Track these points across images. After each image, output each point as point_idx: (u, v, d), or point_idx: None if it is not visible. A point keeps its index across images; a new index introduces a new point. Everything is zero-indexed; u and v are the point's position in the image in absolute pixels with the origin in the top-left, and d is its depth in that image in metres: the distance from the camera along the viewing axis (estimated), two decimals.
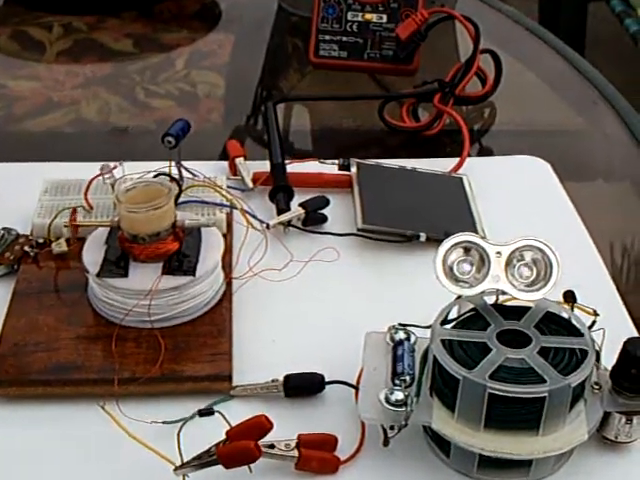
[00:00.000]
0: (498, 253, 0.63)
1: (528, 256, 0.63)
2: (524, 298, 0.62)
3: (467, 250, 0.64)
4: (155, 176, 0.81)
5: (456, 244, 0.64)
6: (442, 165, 0.94)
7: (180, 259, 0.73)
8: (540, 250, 0.63)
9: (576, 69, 1.18)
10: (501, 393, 0.57)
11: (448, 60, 1.10)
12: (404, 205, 0.86)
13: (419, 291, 0.70)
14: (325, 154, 0.95)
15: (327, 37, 1.12)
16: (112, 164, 0.82)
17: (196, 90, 1.15)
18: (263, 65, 1.23)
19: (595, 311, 0.66)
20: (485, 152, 1.03)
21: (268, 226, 0.82)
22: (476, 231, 0.84)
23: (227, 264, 0.78)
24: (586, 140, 1.07)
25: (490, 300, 0.65)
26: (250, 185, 0.89)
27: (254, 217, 0.83)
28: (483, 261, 0.64)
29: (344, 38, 1.12)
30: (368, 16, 1.12)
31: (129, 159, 0.84)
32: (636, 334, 0.75)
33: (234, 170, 0.92)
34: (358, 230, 0.82)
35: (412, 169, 0.92)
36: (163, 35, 1.29)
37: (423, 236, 0.82)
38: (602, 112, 1.11)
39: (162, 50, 1.26)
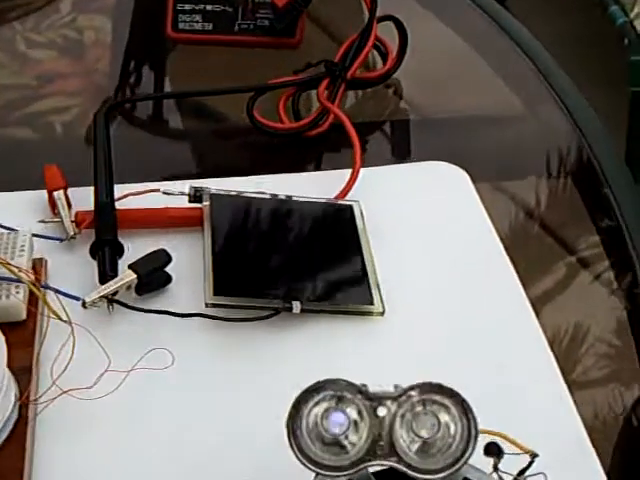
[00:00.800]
0: (384, 404, 0.42)
1: (429, 407, 0.42)
2: (420, 478, 0.41)
3: (339, 399, 0.42)
4: None
5: (319, 397, 0.42)
6: (331, 181, 0.72)
7: None
8: (444, 404, 0.41)
9: (505, 33, 0.95)
10: None
11: (348, 31, 0.86)
12: (272, 258, 0.64)
13: (288, 394, 0.47)
14: (180, 171, 0.73)
15: (187, 6, 0.88)
16: None
17: (82, 37, 0.96)
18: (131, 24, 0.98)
19: (533, 453, 0.45)
20: (388, 154, 0.81)
21: (84, 303, 0.60)
22: (368, 286, 0.63)
23: (24, 375, 0.55)
24: (516, 127, 0.85)
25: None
26: (71, 231, 0.67)
27: (65, 295, 0.60)
28: (361, 416, 0.42)
29: (208, 7, 0.89)
30: None
31: None
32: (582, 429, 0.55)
33: (54, 207, 0.69)
34: (207, 305, 0.60)
35: (287, 198, 0.69)
36: None
37: (297, 306, 0.61)
38: (535, 88, 0.89)
39: None
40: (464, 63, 0.91)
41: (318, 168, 0.79)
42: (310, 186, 0.72)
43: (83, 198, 0.69)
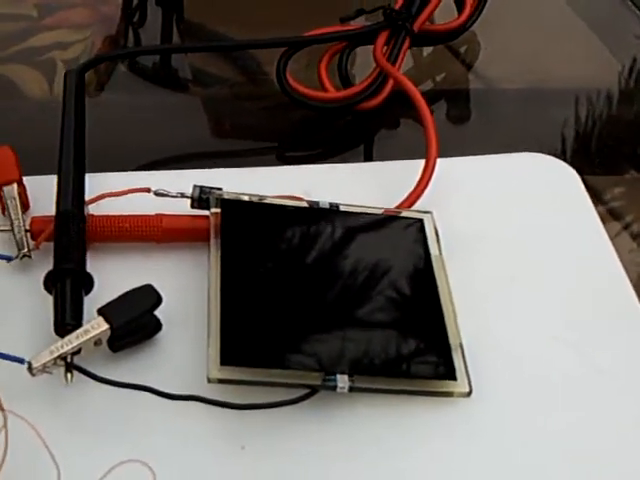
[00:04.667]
0: None
1: None
2: None
3: None
4: None
5: None
6: (392, 178, 0.52)
7: None
8: None
9: None
10: None
11: None
12: (307, 306, 0.44)
13: None
14: (180, 157, 0.53)
15: None
16: None
17: None
18: None
19: None
20: (466, 143, 0.60)
21: (31, 368, 0.40)
22: (448, 351, 0.43)
23: None
24: (627, 104, 0.64)
25: None
26: (24, 246, 0.47)
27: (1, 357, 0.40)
28: None
29: None
30: None
31: None
32: None
33: (4, 209, 0.49)
34: (210, 381, 0.40)
35: (331, 208, 0.48)
36: None
37: (343, 382, 0.40)
38: None
39: None
40: (560, 18, 0.69)
41: (370, 157, 0.58)
42: (361, 185, 0.52)
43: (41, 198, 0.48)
